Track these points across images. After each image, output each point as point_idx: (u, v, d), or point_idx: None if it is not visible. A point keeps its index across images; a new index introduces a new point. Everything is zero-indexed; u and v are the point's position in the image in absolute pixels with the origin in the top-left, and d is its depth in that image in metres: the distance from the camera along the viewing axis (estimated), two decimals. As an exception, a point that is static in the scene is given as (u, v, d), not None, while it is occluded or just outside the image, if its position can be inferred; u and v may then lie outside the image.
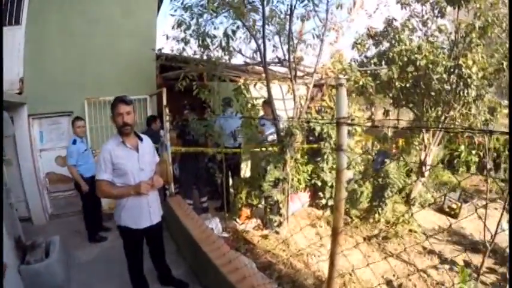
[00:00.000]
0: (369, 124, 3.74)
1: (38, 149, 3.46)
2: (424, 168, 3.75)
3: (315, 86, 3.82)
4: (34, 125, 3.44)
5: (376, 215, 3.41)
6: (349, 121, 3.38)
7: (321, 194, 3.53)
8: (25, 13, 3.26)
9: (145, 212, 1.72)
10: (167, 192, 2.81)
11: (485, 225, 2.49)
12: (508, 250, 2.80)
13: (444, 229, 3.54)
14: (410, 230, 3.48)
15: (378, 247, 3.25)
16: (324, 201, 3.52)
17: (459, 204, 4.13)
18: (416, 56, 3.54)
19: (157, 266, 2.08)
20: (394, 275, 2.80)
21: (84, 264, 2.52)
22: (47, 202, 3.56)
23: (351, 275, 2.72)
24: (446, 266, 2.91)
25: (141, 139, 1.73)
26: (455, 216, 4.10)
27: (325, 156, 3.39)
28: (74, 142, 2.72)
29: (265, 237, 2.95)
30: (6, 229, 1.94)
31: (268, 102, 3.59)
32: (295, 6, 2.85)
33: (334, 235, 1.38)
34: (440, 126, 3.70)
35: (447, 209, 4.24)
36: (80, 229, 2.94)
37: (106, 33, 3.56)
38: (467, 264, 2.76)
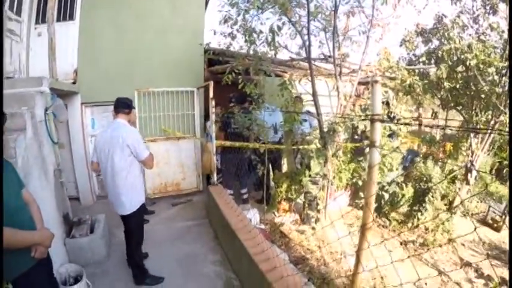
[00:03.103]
0: (403, 122, 3.55)
1: (89, 134, 3.71)
2: (469, 175, 3.52)
3: (362, 83, 3.72)
4: (86, 112, 3.70)
5: (415, 220, 3.28)
6: (395, 121, 3.24)
7: (361, 193, 3.44)
8: (78, 9, 3.52)
9: None
10: (210, 181, 2.90)
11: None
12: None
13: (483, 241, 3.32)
14: (449, 240, 3.32)
15: (414, 253, 3.15)
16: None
17: (503, 217, 3.88)
18: (466, 55, 3.33)
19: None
20: (426, 283, 2.70)
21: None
22: (95, 184, 3.83)
23: (382, 278, 2.66)
24: (481, 281, 2.77)
25: None
26: (498, 229, 3.87)
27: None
28: None
29: (301, 232, 2.96)
30: (56, 205, 2.14)
31: (299, 98, 3.55)
32: (339, 2, 2.82)
33: (363, 230, 1.40)
34: (486, 131, 3.45)
35: (490, 221, 3.99)
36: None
37: (155, 28, 3.71)
38: (503, 280, 2.60)
